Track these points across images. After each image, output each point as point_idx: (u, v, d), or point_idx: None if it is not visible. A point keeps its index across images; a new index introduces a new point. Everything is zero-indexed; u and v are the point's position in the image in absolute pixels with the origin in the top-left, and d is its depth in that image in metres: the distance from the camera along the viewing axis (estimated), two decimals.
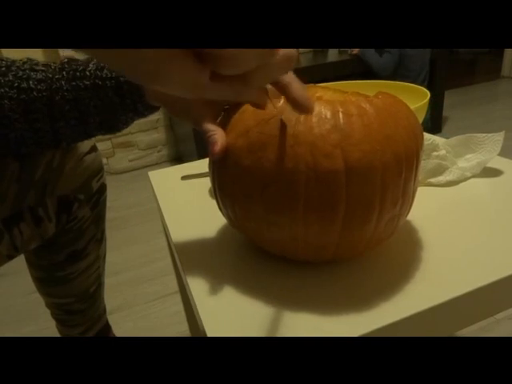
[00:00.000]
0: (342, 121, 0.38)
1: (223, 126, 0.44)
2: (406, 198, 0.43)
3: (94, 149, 0.72)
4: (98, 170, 0.73)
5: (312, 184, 0.39)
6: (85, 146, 0.69)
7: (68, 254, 0.77)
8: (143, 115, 0.50)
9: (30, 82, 0.45)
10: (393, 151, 0.39)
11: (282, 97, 0.40)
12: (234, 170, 0.42)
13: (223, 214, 0.49)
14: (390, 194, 0.40)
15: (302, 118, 0.39)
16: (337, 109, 0.39)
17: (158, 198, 0.72)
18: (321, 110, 0.39)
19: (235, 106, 0.44)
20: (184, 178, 0.78)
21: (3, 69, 0.45)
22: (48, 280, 0.81)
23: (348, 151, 0.38)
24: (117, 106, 0.47)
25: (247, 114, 0.42)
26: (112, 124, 0.49)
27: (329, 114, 0.39)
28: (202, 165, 0.84)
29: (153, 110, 0.49)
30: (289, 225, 0.41)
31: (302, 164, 0.38)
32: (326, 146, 0.38)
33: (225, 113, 0.46)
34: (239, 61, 0.27)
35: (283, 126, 0.40)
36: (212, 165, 0.47)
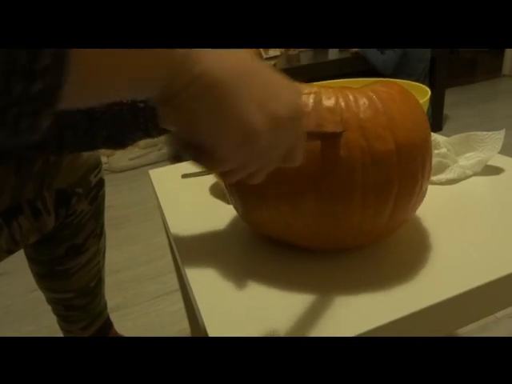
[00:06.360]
0: (380, 105, 0.40)
1: None
2: (430, 171, 0.46)
3: None
4: (96, 165, 0.74)
5: (368, 168, 0.40)
6: None
7: (68, 249, 0.77)
8: (151, 136, 0.49)
9: None
10: (423, 130, 0.42)
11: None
12: (277, 168, 0.42)
13: (246, 216, 0.49)
14: (427, 167, 0.43)
15: (344, 104, 0.40)
16: (370, 94, 0.41)
17: (159, 196, 0.71)
18: (357, 97, 0.40)
19: None
20: (184, 176, 0.78)
21: None
22: (48, 275, 0.81)
23: (395, 132, 0.40)
24: (128, 123, 0.46)
25: None
26: (119, 140, 0.49)
27: (367, 100, 0.40)
28: None
29: (162, 132, 0.49)
30: (346, 213, 0.41)
31: (357, 150, 0.39)
32: (377, 128, 0.39)
33: None
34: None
35: (327, 115, 0.40)
36: None
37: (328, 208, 0.41)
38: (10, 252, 0.67)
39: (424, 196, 0.47)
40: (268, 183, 0.43)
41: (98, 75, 0.21)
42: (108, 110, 0.45)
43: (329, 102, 0.40)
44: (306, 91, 0.42)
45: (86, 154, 0.70)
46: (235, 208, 0.51)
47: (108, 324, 0.96)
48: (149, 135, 0.49)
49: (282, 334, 0.39)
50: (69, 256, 0.79)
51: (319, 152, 0.40)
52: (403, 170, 0.41)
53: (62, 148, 0.48)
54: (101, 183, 0.77)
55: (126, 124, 0.47)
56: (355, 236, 0.44)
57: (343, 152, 0.39)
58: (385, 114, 0.40)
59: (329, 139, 0.39)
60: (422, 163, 0.43)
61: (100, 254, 0.85)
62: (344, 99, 0.40)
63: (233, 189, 0.48)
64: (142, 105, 0.45)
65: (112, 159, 2.45)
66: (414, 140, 0.41)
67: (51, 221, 0.69)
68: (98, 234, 0.82)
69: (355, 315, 0.40)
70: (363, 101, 0.40)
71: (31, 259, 0.81)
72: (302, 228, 0.44)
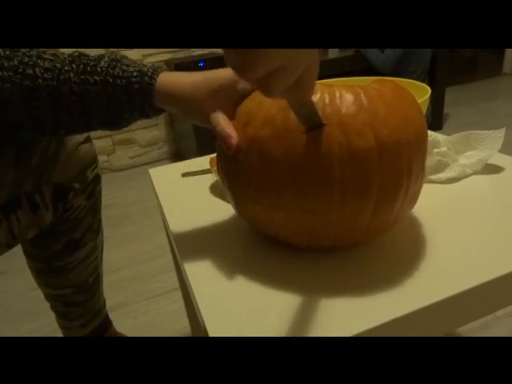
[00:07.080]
0: (365, 101, 0.40)
1: (241, 118, 0.44)
2: (423, 173, 0.45)
3: (88, 139, 0.73)
4: (93, 160, 0.74)
5: (346, 164, 0.39)
6: (79, 135, 0.70)
7: (66, 244, 0.78)
8: (148, 116, 0.50)
9: (37, 70, 0.45)
10: (413, 128, 0.42)
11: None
12: (260, 161, 0.42)
13: (238, 210, 0.49)
14: (414, 168, 0.42)
15: (328, 100, 0.40)
16: (358, 91, 0.41)
17: (159, 194, 0.72)
18: (343, 93, 0.40)
19: (250, 99, 0.45)
20: (184, 174, 0.78)
21: (7, 52, 0.45)
22: (47, 271, 0.82)
23: (377, 129, 0.39)
24: (123, 105, 0.47)
25: (267, 104, 0.42)
26: (115, 121, 0.49)
27: (352, 96, 0.40)
28: (203, 162, 0.84)
29: (158, 112, 0.50)
30: (325, 209, 0.41)
31: (335, 145, 0.39)
32: (357, 124, 0.39)
33: (240, 106, 0.46)
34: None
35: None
36: (225, 160, 0.46)
37: (306, 203, 0.41)
38: (9, 246, 0.67)
39: (417, 195, 0.46)
40: (251, 174, 0.43)
41: None
42: (102, 93, 0.46)
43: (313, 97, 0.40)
44: None
45: (82, 150, 0.71)
46: (231, 204, 0.51)
47: (107, 322, 0.97)
48: (145, 115, 0.49)
49: (281, 334, 0.39)
50: (67, 251, 0.79)
51: (298, 146, 0.40)
52: (386, 168, 0.40)
53: (57, 129, 0.49)
54: (97, 179, 0.77)
55: (122, 105, 0.47)
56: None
57: (322, 147, 0.39)
58: (368, 111, 0.40)
59: (314, 129, 0.39)
60: (409, 163, 0.42)
61: (98, 249, 0.86)
62: (329, 95, 0.40)
63: (225, 181, 0.48)
64: (136, 86, 0.46)
65: (112, 158, 2.45)
66: (400, 138, 0.40)
67: (49, 215, 0.70)
68: (96, 229, 0.83)
69: (354, 314, 0.40)
70: (348, 97, 0.40)
71: (29, 255, 0.81)
72: (284, 223, 0.44)
